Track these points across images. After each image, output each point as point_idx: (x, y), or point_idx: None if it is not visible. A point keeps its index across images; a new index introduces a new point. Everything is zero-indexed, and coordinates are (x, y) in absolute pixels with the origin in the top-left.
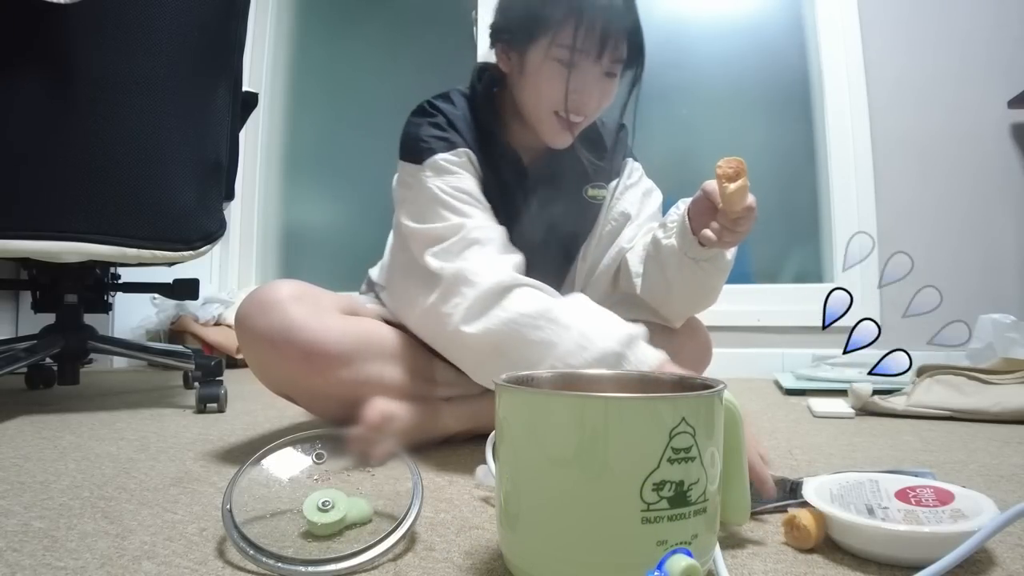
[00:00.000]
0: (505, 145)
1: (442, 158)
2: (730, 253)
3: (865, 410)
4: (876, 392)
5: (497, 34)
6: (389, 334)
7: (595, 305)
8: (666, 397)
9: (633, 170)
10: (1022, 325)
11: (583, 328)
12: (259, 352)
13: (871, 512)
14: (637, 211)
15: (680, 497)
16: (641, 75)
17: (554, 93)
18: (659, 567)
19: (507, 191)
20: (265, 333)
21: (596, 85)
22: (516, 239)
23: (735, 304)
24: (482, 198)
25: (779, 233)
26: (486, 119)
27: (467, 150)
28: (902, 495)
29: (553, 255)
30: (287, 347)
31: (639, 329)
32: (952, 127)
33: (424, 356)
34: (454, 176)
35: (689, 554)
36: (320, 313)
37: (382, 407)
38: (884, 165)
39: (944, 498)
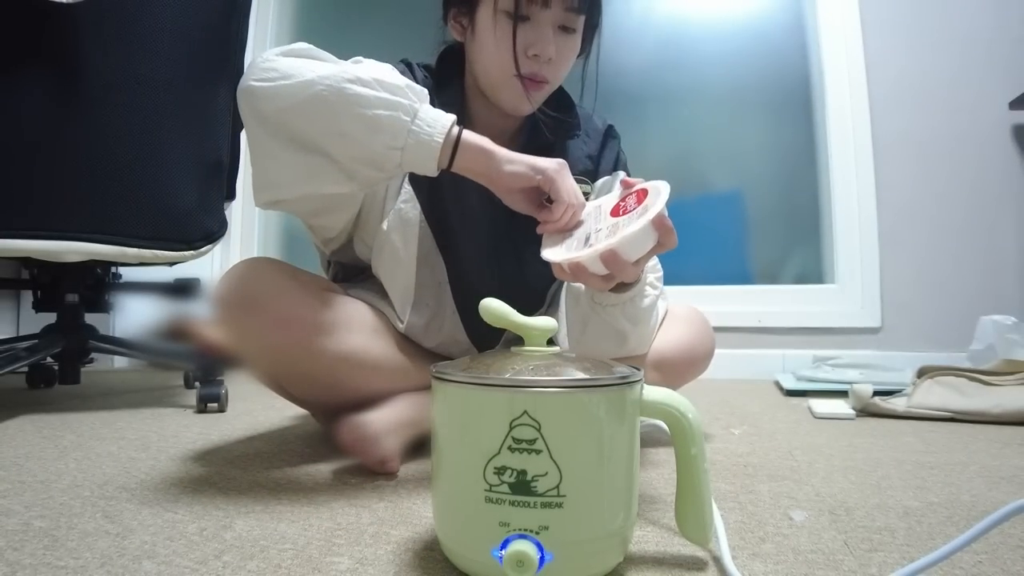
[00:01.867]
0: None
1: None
2: (648, 301)
3: (866, 411)
4: (877, 393)
5: (447, 2)
6: (369, 311)
7: None
8: (507, 389)
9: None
10: (1023, 326)
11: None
12: (239, 325)
13: (587, 241)
14: None
15: (522, 485)
16: (598, 23)
17: (508, 52)
18: (503, 546)
19: (467, 186)
20: (240, 302)
21: (551, 39)
22: (481, 238)
23: (736, 305)
24: None
25: (780, 234)
26: (448, 102)
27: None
28: (615, 210)
29: (524, 259)
30: (263, 312)
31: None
32: (953, 128)
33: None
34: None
35: (536, 543)
36: (295, 279)
37: (382, 455)
38: (885, 166)
39: (642, 198)
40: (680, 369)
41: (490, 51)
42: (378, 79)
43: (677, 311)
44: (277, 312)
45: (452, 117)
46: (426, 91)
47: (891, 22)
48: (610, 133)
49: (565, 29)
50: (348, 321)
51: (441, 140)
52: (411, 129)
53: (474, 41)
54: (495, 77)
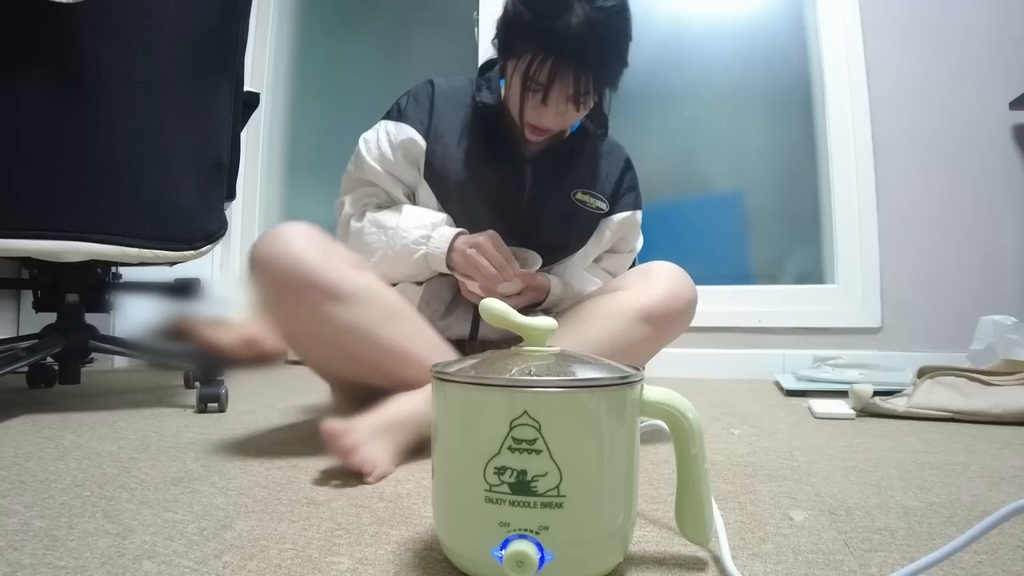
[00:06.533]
0: (506, 128)
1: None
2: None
3: (866, 411)
4: (877, 393)
5: (496, 31)
6: (392, 293)
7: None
8: (506, 389)
9: (638, 226)
10: (1023, 326)
11: (400, 223)
12: (259, 281)
13: None
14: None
15: (522, 485)
16: (605, 107)
17: (519, 108)
18: (503, 546)
19: (499, 169)
20: (264, 259)
21: (554, 109)
22: (498, 218)
23: (736, 305)
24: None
25: (780, 234)
26: (488, 109)
27: (414, 136)
28: None
29: (533, 247)
30: (282, 272)
31: (441, 216)
32: (953, 128)
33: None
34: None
35: (536, 543)
36: (326, 250)
37: (365, 457)
38: (885, 166)
39: None
40: (670, 318)
41: (510, 96)
42: (407, 244)
43: (655, 267)
44: (295, 274)
45: (449, 239)
46: (442, 219)
47: (891, 22)
48: (629, 165)
49: (570, 99)
50: (366, 297)
51: (444, 255)
52: (428, 254)
53: (506, 77)
54: (512, 115)
